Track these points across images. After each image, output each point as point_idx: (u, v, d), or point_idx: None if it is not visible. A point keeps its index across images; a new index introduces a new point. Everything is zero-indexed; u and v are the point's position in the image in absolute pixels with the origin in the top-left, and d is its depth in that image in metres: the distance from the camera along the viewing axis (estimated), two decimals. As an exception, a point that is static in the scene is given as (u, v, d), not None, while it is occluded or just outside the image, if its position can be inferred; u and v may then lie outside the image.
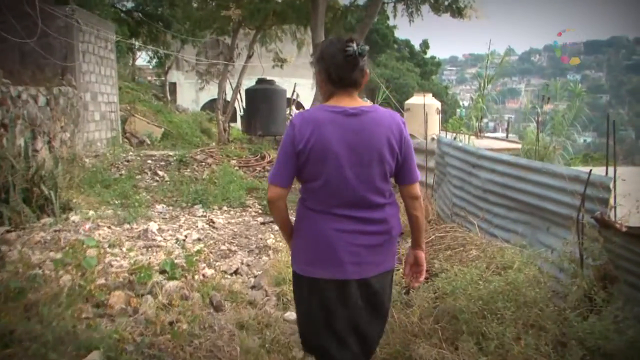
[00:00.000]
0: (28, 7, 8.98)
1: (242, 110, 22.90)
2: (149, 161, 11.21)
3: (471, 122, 12.99)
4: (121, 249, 5.39)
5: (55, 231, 6.02)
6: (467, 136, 11.68)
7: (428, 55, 54.35)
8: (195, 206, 8.05)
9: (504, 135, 29.03)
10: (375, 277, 2.46)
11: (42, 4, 9.28)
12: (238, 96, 21.77)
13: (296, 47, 20.02)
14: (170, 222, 7.00)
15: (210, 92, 22.01)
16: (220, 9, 14.35)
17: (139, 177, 10.47)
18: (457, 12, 12.12)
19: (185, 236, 6.08)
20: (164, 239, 5.93)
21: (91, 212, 7.28)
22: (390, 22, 49.35)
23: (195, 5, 18.30)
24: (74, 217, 6.96)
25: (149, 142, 18.08)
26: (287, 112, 22.92)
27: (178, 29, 24.02)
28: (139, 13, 25.33)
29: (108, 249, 5.40)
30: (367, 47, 2.36)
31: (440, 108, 24.38)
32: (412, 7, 12.06)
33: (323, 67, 2.41)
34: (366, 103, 2.47)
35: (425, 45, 55.42)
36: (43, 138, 9.11)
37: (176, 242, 5.66)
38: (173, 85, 30.87)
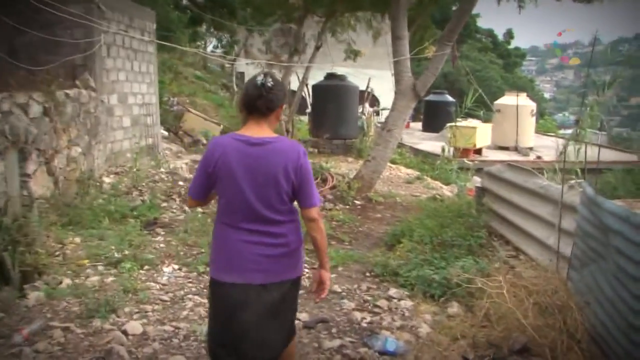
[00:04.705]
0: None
1: (309, 106, 20.65)
2: (181, 182, 8.97)
3: (583, 132, 10.41)
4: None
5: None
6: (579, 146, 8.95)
7: (511, 46, 50.43)
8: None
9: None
10: (275, 285, 2.71)
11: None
12: (306, 90, 19.48)
13: (371, 37, 17.46)
14: (169, 313, 4.64)
15: (282, 83, 19.70)
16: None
17: (165, 204, 8.25)
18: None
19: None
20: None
21: (65, 282, 5.09)
22: (473, 10, 45.78)
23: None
24: (35, 293, 4.78)
25: (204, 142, 16.09)
26: (360, 109, 20.21)
27: (244, 16, 22.04)
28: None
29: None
30: (271, 80, 2.67)
31: (535, 110, 21.08)
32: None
33: (242, 95, 2.83)
34: (273, 134, 2.75)
35: (509, 35, 51.50)
36: (39, 159, 7.04)
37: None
38: (241, 75, 28.78)
